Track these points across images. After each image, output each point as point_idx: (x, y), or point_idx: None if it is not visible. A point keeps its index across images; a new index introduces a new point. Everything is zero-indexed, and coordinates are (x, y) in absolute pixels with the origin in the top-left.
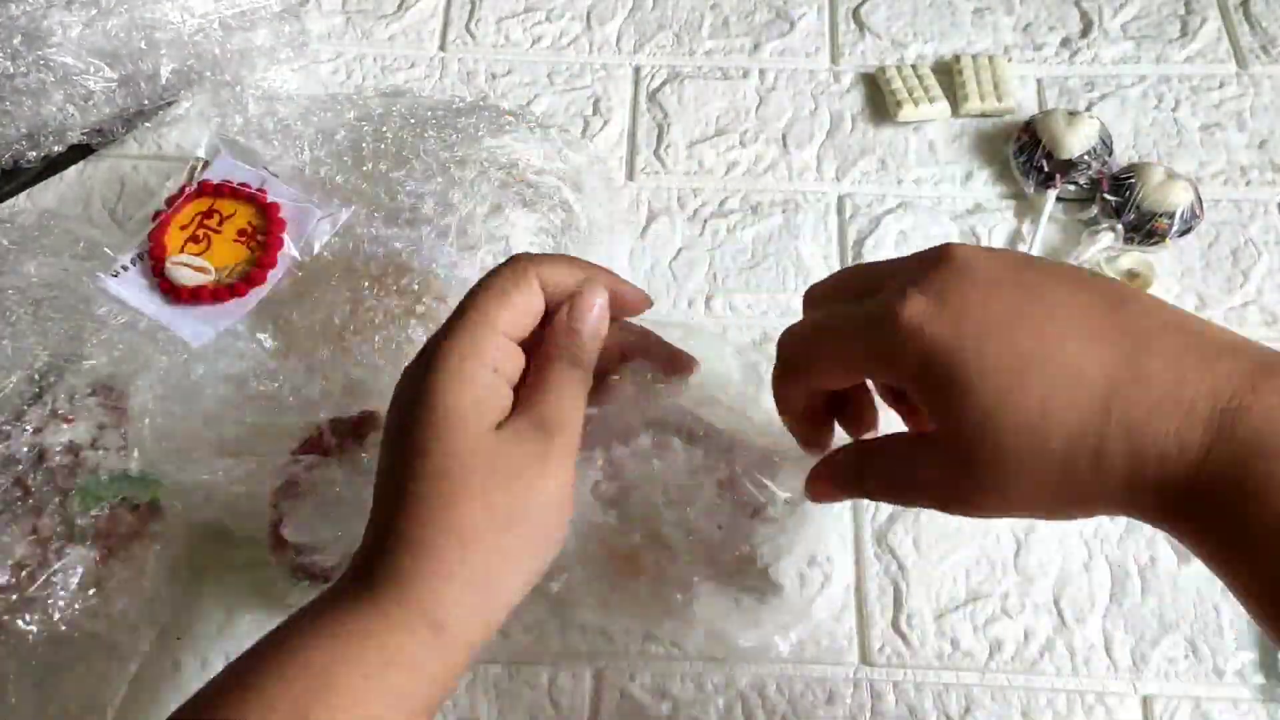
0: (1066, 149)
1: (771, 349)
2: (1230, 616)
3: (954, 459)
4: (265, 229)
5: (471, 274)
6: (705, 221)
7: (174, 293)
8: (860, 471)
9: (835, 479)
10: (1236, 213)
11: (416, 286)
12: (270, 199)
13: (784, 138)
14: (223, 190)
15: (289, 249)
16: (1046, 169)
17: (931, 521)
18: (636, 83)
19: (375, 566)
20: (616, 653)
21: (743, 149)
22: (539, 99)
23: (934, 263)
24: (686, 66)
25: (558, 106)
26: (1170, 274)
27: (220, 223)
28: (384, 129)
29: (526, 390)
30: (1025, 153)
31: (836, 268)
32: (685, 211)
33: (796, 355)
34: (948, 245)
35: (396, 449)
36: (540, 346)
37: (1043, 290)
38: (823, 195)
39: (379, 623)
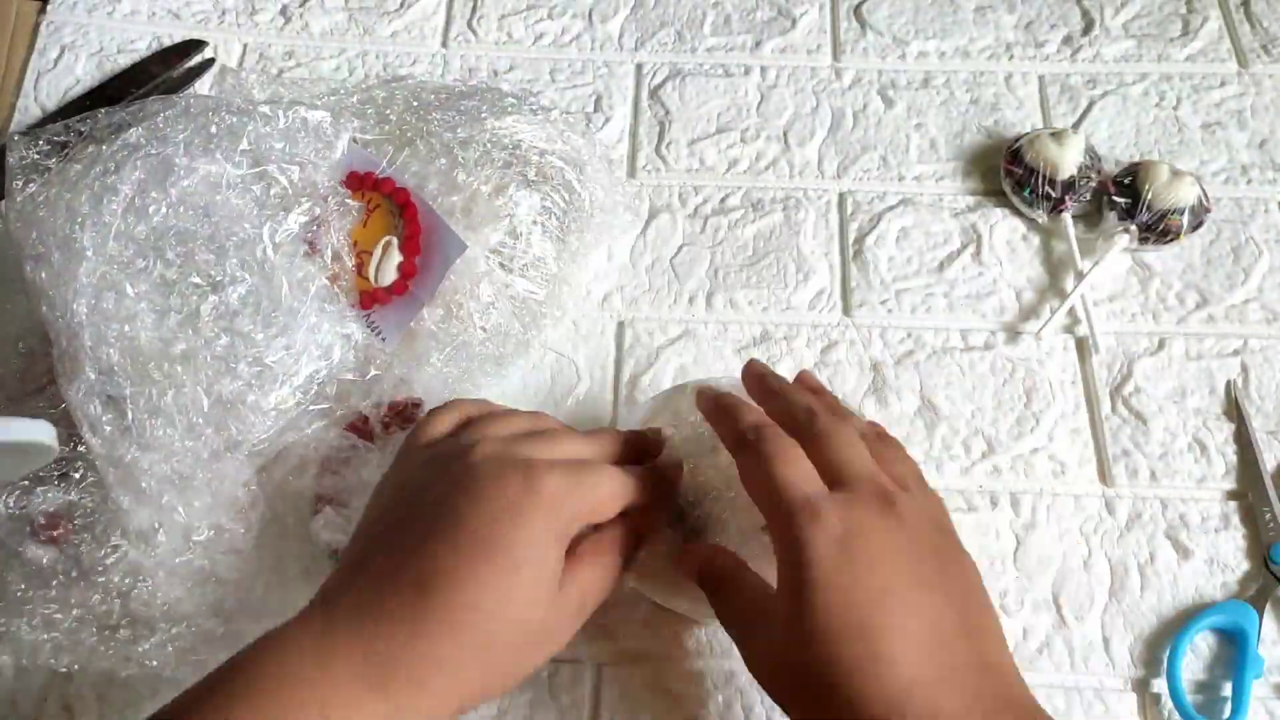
0: (1065, 169)
1: (772, 346)
2: None
3: (786, 633)
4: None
5: (476, 254)
6: (706, 219)
7: (367, 297)
8: (719, 583)
9: (698, 571)
10: (1238, 211)
11: None
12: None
13: (785, 135)
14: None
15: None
16: (1054, 194)
17: None
18: (638, 80)
19: (338, 601)
20: (618, 649)
21: (744, 146)
22: (541, 95)
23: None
24: (688, 64)
25: (559, 103)
26: (1172, 271)
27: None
28: (387, 112)
29: (578, 547)
30: (1026, 185)
31: (838, 265)
32: (686, 209)
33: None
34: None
35: (437, 517)
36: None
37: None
38: (824, 192)
39: (323, 673)
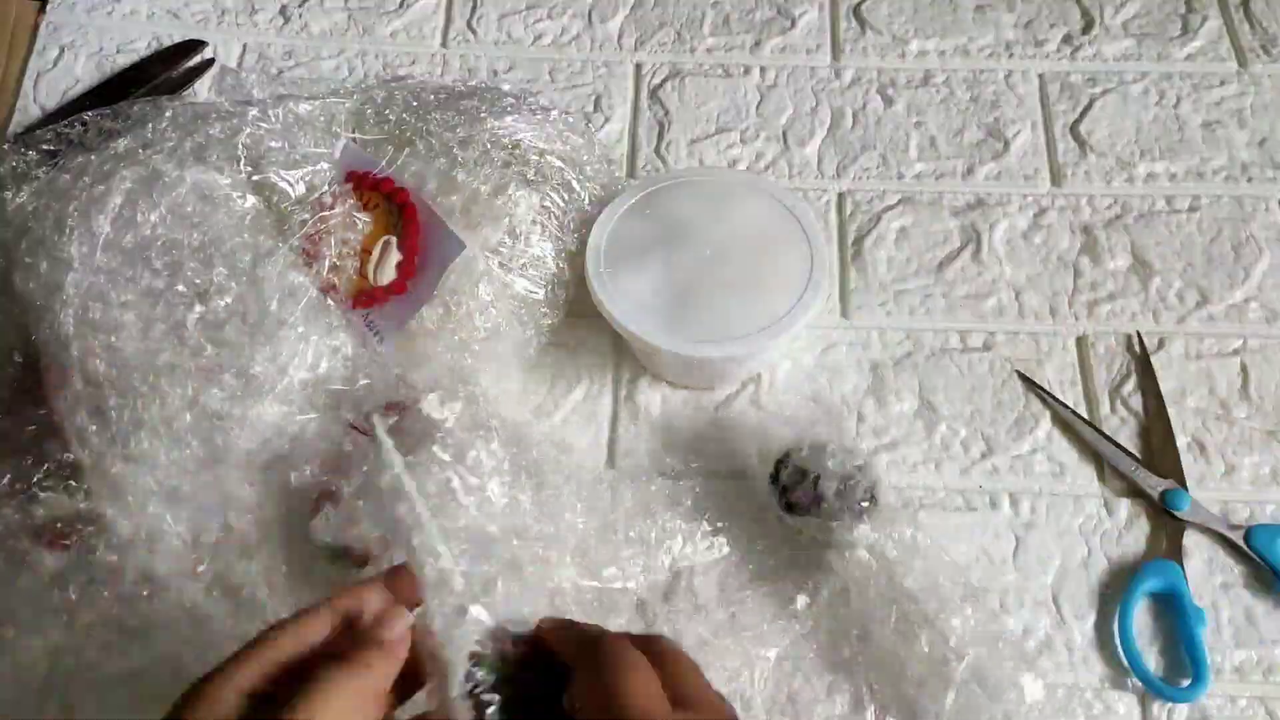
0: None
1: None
2: (1229, 614)
3: None
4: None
5: (475, 253)
6: None
7: (365, 296)
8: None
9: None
10: (1238, 209)
11: None
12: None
13: (785, 135)
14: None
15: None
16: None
17: (930, 518)
18: (638, 80)
19: None
20: None
21: (744, 146)
22: (540, 95)
23: None
24: (688, 64)
25: (559, 103)
26: (1173, 270)
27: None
28: (387, 112)
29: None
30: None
31: (837, 263)
32: None
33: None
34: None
35: None
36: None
37: None
38: (824, 192)
39: None
